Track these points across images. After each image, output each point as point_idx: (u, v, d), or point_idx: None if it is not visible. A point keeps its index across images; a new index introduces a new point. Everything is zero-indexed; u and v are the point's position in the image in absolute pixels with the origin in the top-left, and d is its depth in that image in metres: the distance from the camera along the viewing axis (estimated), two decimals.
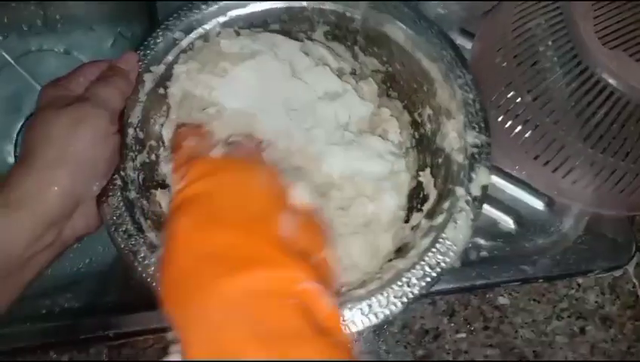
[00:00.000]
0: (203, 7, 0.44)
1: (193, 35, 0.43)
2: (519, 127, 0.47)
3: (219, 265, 0.29)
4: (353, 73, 0.47)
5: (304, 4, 0.44)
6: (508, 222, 0.50)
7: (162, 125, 0.43)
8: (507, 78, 0.47)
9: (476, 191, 0.37)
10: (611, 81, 0.39)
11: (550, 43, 0.44)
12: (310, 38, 0.47)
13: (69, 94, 0.36)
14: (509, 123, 0.47)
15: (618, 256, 0.49)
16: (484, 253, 0.49)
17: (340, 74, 0.46)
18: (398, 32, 0.43)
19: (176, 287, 0.30)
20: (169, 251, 0.32)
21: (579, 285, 0.49)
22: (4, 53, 0.65)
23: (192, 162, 0.36)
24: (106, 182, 0.37)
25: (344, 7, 0.44)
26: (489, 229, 0.49)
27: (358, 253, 0.39)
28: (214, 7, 0.44)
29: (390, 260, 0.38)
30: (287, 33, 0.46)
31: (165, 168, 0.42)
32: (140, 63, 0.41)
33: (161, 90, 0.43)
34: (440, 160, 0.41)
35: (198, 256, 0.30)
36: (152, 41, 0.42)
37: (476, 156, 0.38)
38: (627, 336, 0.48)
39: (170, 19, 0.43)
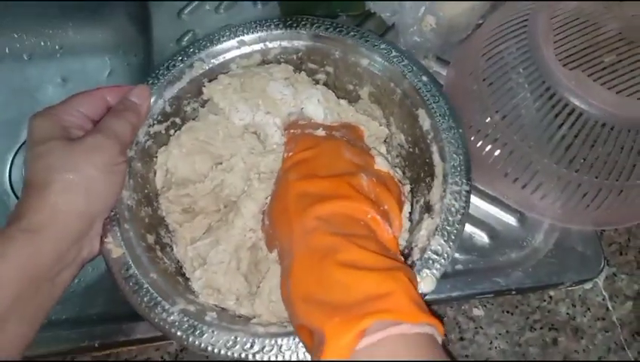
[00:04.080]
0: (222, 37, 0.48)
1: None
2: (489, 146, 0.49)
3: (314, 198, 0.38)
4: (386, 141, 0.50)
5: (363, 61, 0.48)
6: (482, 237, 0.52)
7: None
8: (478, 100, 0.50)
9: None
10: (572, 99, 0.42)
11: (518, 66, 0.47)
12: (357, 94, 0.50)
13: (68, 125, 0.39)
14: (480, 142, 0.50)
15: (588, 269, 0.51)
16: (459, 266, 0.50)
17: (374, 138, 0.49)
18: (425, 120, 0.45)
19: (283, 212, 0.39)
20: (279, 192, 0.41)
21: (550, 297, 0.51)
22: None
23: (298, 138, 0.44)
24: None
25: (390, 78, 0.47)
26: (464, 243, 0.51)
27: None
28: (234, 41, 0.48)
29: None
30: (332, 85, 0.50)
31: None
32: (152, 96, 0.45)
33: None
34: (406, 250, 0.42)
35: (299, 194, 0.39)
36: (160, 72, 0.46)
37: (430, 263, 0.39)
38: (598, 347, 0.49)
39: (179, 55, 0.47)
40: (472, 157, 0.44)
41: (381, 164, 0.44)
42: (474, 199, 0.52)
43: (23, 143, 0.67)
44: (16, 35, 0.70)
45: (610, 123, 0.42)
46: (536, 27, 0.45)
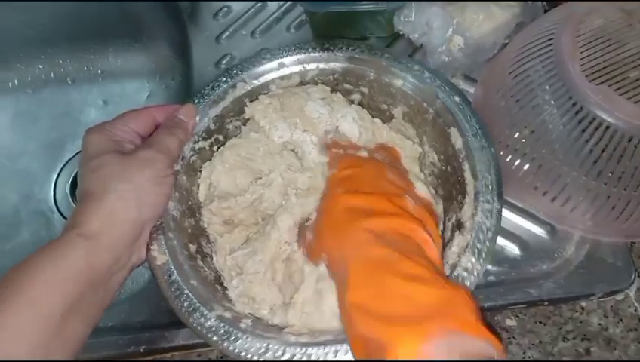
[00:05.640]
0: (262, 60, 0.51)
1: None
2: (518, 160, 0.51)
3: (363, 212, 0.40)
4: (419, 159, 0.51)
5: (396, 82, 0.50)
6: (513, 249, 0.53)
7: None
8: (506, 117, 0.51)
9: None
10: (599, 113, 0.44)
11: (544, 83, 0.48)
12: (391, 113, 0.52)
13: (120, 140, 0.42)
14: (510, 157, 0.51)
15: (619, 281, 0.51)
16: (491, 278, 0.51)
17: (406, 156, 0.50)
18: (457, 139, 0.47)
19: (332, 225, 0.41)
20: (327, 206, 0.43)
21: (582, 308, 0.52)
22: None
23: (341, 157, 0.47)
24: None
25: (423, 98, 0.49)
26: (495, 255, 0.52)
27: None
28: (274, 63, 0.51)
29: None
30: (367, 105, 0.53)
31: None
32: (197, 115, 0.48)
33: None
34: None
35: (348, 207, 0.41)
36: (205, 92, 0.49)
37: (460, 279, 0.40)
38: (631, 357, 0.50)
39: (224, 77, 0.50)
40: (502, 171, 0.45)
41: (421, 189, 0.46)
42: (504, 212, 0.53)
43: (67, 162, 0.71)
44: (60, 61, 0.74)
45: (637, 136, 0.43)
46: (561, 45, 0.47)
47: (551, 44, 0.48)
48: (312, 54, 0.50)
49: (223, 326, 0.39)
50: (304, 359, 0.38)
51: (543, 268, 0.52)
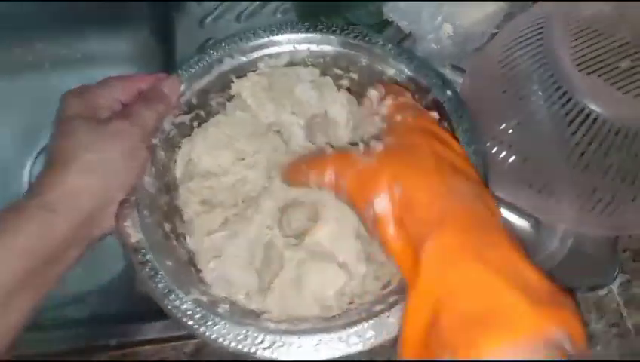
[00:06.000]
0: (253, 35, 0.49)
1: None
2: (504, 152, 0.50)
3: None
4: None
5: (389, 71, 0.48)
6: None
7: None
8: (493, 108, 0.51)
9: None
10: (588, 103, 0.43)
11: (533, 72, 0.47)
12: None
13: (99, 106, 0.40)
14: (495, 148, 0.51)
15: (602, 276, 0.51)
16: None
17: None
18: None
19: (418, 166, 0.34)
20: (411, 143, 0.36)
21: None
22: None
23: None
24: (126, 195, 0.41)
25: (414, 90, 0.47)
26: None
27: None
28: (265, 40, 0.49)
29: None
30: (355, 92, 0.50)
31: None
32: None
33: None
34: None
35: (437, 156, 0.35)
36: (190, 65, 0.47)
37: None
38: (612, 353, 0.49)
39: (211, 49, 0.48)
40: (487, 163, 0.44)
41: None
42: None
43: (42, 149, 0.68)
44: (39, 44, 0.71)
45: (625, 127, 0.43)
46: (552, 34, 0.46)
47: (541, 34, 0.47)
48: (305, 35, 0.49)
49: (200, 311, 0.38)
50: (284, 347, 0.36)
51: None
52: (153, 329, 0.49)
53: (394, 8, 0.57)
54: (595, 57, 0.44)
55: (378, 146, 0.37)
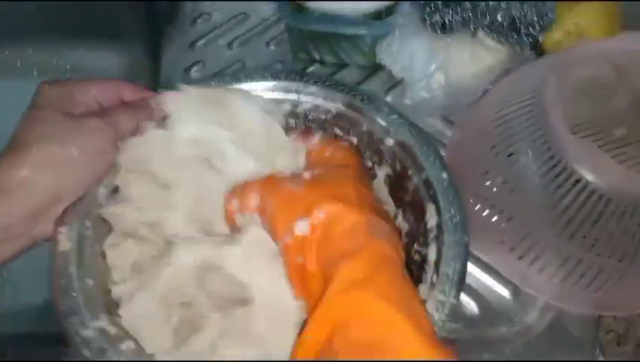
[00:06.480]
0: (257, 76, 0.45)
1: None
2: (487, 210, 0.47)
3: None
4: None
5: (388, 141, 0.44)
6: (472, 306, 0.48)
7: None
8: (480, 163, 0.48)
9: None
10: (578, 168, 0.40)
11: (524, 131, 0.45)
12: (374, 173, 0.46)
13: (74, 101, 0.37)
14: (478, 206, 0.48)
15: (581, 357, 0.47)
16: (442, 334, 0.47)
17: None
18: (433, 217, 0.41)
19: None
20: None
21: None
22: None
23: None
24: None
25: (410, 165, 0.43)
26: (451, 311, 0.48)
27: None
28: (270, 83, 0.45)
29: None
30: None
31: None
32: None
33: None
34: None
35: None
36: None
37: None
38: None
39: None
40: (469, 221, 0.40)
41: None
42: None
43: None
44: (30, 50, 0.69)
45: (616, 198, 0.40)
46: (546, 93, 0.43)
47: (535, 92, 0.45)
48: (311, 88, 0.45)
49: (101, 342, 0.33)
50: None
51: (501, 332, 0.47)
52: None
53: (387, 51, 0.55)
54: (588, 121, 0.42)
55: (306, 175, 0.37)
